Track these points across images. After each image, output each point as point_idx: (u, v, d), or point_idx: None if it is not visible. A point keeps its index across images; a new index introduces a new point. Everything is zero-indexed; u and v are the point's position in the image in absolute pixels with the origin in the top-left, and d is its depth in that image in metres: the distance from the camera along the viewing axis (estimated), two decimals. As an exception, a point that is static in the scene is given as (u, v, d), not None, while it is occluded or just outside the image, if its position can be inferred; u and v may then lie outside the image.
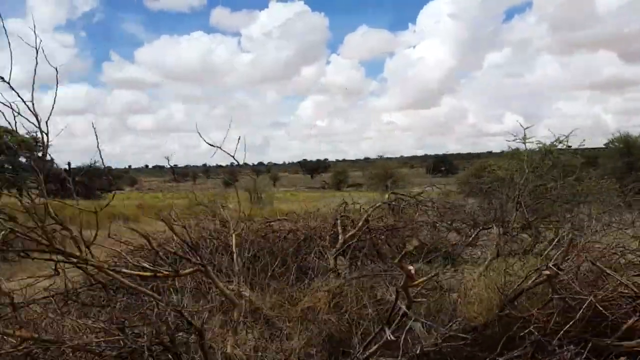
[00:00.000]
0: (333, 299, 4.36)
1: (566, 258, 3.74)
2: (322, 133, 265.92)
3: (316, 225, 5.69)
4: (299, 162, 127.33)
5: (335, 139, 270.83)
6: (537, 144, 7.25)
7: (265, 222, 5.91)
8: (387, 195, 6.32)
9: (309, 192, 71.73)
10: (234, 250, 4.86)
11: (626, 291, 3.63)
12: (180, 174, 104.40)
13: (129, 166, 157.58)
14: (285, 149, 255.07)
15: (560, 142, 7.25)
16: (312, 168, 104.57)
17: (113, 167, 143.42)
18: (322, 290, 4.44)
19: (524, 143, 7.06)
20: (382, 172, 36.04)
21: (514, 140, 7.20)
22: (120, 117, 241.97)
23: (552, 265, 3.45)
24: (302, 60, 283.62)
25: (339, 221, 5.69)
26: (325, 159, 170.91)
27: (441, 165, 77.90)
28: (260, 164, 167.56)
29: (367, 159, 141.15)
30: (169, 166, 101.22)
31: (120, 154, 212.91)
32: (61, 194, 43.92)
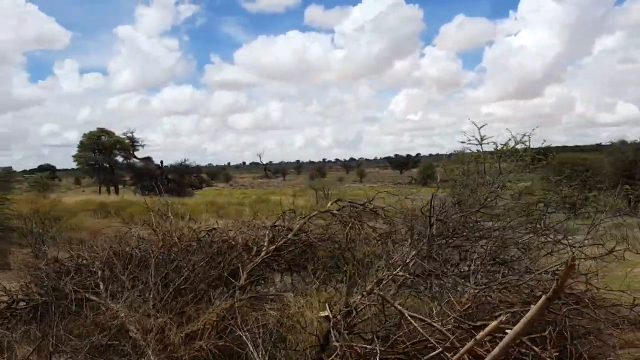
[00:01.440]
0: (220, 323, 4.03)
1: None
2: (416, 127, 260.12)
3: (245, 235, 5.32)
4: (386, 157, 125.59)
5: (430, 132, 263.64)
6: (493, 145, 6.24)
7: (197, 230, 5.63)
8: (329, 204, 5.75)
9: (392, 188, 70.55)
10: (152, 263, 4.69)
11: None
12: (272, 170, 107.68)
13: (228, 163, 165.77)
14: (377, 144, 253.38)
15: (518, 143, 6.16)
16: (401, 163, 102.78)
17: (214, 164, 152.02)
18: (212, 312, 4.12)
19: (480, 145, 6.11)
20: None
21: (468, 142, 6.23)
22: (221, 116, 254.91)
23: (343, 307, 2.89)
24: (395, 54, 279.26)
25: (268, 231, 5.28)
26: (418, 154, 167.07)
27: (543, 158, 73.04)
28: (352, 159, 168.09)
29: (545, 149, 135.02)
30: (259, 162, 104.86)
31: (220, 151, 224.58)
32: (154, 191, 46.53)
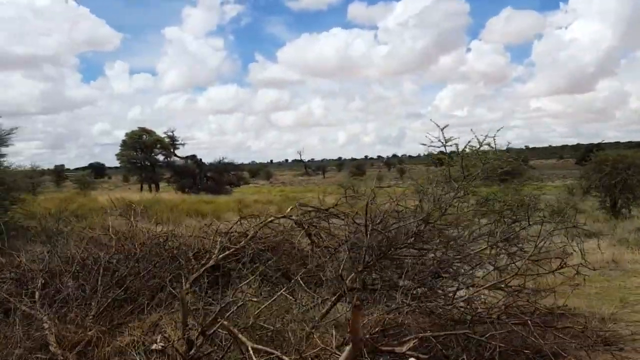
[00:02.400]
0: (145, 338, 3.91)
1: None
2: (462, 123, 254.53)
3: (204, 241, 5.15)
4: (428, 154, 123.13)
5: (477, 128, 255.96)
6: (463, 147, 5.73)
7: (155, 235, 5.51)
8: (289, 209, 5.46)
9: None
10: (100, 270, 4.64)
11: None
12: (313, 167, 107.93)
13: (271, 160, 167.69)
14: (421, 140, 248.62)
15: (481, 145, 5.64)
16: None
17: (256, 162, 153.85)
18: (138, 326, 4.02)
19: (444, 147, 5.67)
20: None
21: (431, 145, 5.78)
22: (264, 114, 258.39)
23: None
24: (440, 49, 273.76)
25: (220, 238, 5.10)
26: (463, 150, 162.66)
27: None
28: (394, 156, 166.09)
29: (508, 149, 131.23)
30: (301, 160, 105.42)
31: (264, 149, 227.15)
32: (193, 189, 47.59)
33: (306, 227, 4.92)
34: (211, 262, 4.76)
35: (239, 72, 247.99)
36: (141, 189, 46.38)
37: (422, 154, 6.41)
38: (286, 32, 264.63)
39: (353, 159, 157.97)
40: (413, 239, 4.26)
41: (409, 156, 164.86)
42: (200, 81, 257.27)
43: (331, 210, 5.31)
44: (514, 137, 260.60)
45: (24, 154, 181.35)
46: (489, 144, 5.49)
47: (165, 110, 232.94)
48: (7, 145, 27.13)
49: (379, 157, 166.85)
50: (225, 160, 55.37)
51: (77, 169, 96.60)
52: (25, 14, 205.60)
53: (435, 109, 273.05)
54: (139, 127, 46.48)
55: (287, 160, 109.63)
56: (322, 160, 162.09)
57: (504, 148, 5.92)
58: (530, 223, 5.22)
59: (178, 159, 50.31)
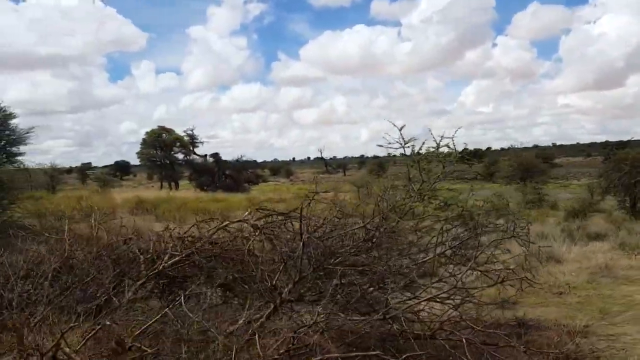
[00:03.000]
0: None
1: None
2: (488, 120, 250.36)
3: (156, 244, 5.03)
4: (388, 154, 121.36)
5: (503, 125, 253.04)
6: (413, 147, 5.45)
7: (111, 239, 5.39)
8: (248, 212, 5.29)
9: (453, 184, 68.13)
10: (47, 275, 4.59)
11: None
12: (334, 165, 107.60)
13: (293, 158, 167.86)
14: (446, 138, 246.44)
15: (440, 147, 5.34)
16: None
17: (279, 160, 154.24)
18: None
19: (403, 148, 5.43)
20: (523, 163, 32.13)
21: (388, 146, 5.53)
22: (287, 112, 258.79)
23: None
24: (465, 44, 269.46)
25: (173, 243, 4.98)
26: (488, 148, 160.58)
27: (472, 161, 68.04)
28: (418, 153, 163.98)
29: (536, 146, 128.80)
30: (322, 158, 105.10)
31: (286, 146, 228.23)
32: (211, 187, 47.94)
33: (263, 231, 4.76)
34: (156, 270, 4.66)
35: (262, 70, 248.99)
36: (161, 187, 46.96)
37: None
38: (309, 30, 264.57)
39: (375, 157, 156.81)
40: (355, 248, 4.08)
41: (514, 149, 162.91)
42: (224, 80, 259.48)
43: (291, 214, 5.14)
44: (541, 134, 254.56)
45: (53, 152, 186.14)
46: (447, 145, 5.25)
47: (189, 109, 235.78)
48: (25, 144, 27.69)
49: (402, 154, 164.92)
50: (244, 159, 55.80)
51: (104, 167, 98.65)
52: (53, 15, 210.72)
53: (460, 105, 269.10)
54: (158, 126, 47.07)
55: (309, 158, 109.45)
56: (344, 158, 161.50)
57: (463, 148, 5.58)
58: (480, 232, 4.94)
59: (197, 157, 50.91)
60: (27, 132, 26.53)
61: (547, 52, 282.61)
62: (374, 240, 4.28)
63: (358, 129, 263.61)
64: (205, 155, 51.26)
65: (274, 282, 3.74)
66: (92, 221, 5.55)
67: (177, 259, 4.70)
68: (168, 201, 23.56)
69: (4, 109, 26.49)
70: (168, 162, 45.73)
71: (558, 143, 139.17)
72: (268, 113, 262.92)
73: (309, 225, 4.09)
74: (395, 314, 3.61)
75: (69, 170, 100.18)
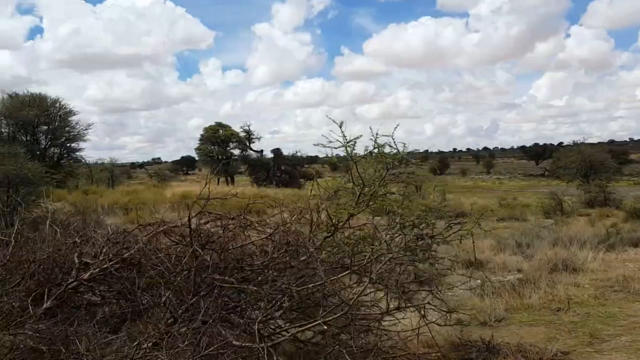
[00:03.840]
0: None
1: None
2: (561, 113, 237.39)
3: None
4: (521, 146, 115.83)
5: (576, 119, 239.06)
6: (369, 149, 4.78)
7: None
8: (192, 215, 4.92)
9: (514, 182, 64.93)
10: None
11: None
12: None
13: (356, 153, 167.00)
14: (515, 132, 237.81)
15: (380, 146, 4.64)
16: (537, 153, 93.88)
17: (340, 155, 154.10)
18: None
19: (345, 147, 4.84)
20: (586, 159, 29.85)
21: (329, 145, 4.92)
22: (349, 107, 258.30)
23: None
24: (537, 35, 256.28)
25: (104, 247, 4.72)
26: (560, 143, 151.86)
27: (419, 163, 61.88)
28: (485, 149, 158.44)
29: (612, 142, 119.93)
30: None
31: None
32: (267, 182, 48.92)
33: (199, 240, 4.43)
34: (64, 286, 4.46)
35: (325, 65, 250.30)
36: (218, 182, 48.19)
37: (515, 146, 5.60)
38: (373, 24, 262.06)
39: (440, 152, 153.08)
40: (259, 262, 3.68)
41: (501, 149, 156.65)
42: (288, 76, 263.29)
43: (240, 218, 4.80)
44: (618, 128, 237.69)
45: (128, 147, 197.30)
46: (388, 144, 4.70)
47: (254, 104, 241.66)
48: (84, 140, 29.21)
49: (468, 149, 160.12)
50: (299, 154, 56.02)
51: (173, 162, 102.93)
52: (128, 16, 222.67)
53: (530, 98, 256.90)
54: (215, 122, 48.29)
55: (371, 153, 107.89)
56: (407, 154, 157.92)
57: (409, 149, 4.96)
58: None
59: (253, 152, 51.73)
60: (86, 129, 28.16)
61: (625, 42, 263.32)
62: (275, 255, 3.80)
63: (422, 124, 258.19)
64: (261, 150, 52.06)
65: (165, 300, 3.44)
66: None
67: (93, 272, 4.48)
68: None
69: (64, 106, 28.30)
70: (224, 157, 46.79)
71: (636, 138, 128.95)
72: (330, 108, 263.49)
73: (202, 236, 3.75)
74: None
75: (141, 165, 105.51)
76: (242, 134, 49.20)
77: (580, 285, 6.65)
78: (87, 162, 30.47)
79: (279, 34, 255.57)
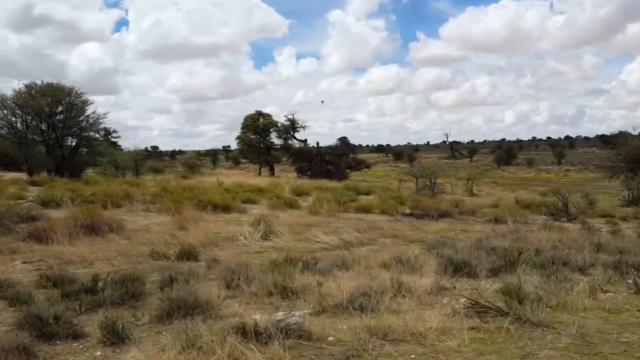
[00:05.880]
0: None
1: None
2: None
3: None
4: (601, 135, 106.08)
5: None
6: None
7: None
8: None
9: (583, 174, 59.15)
10: None
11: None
12: (461, 150, 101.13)
13: (427, 142, 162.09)
14: (603, 120, 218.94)
15: None
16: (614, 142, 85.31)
17: (413, 144, 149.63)
18: None
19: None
20: (630, 151, 26.11)
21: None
22: (424, 94, 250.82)
23: None
24: (628, 16, 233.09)
25: None
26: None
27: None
28: (567, 137, 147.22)
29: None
30: (447, 141, 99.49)
31: (423, 130, 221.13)
32: (309, 173, 48.10)
33: None
34: None
35: (400, 51, 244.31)
36: (260, 172, 48.30)
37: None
38: (450, 7, 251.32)
39: (519, 141, 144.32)
40: None
41: (585, 137, 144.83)
42: (362, 62, 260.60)
43: None
44: None
45: (207, 135, 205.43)
46: None
47: (327, 92, 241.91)
48: (100, 129, 29.77)
49: (548, 138, 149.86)
50: (346, 143, 54.64)
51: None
52: (205, 6, 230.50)
53: (620, 84, 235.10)
54: (255, 110, 48.22)
55: (445, 142, 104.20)
56: (484, 142, 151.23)
57: None
58: None
59: (297, 141, 51.15)
60: (101, 118, 28.95)
61: None
62: None
63: (502, 111, 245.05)
64: (305, 139, 51.35)
65: None
66: None
67: None
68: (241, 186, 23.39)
69: (80, 95, 29.22)
70: (263, 146, 46.67)
71: None
72: (404, 95, 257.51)
73: None
74: None
75: (207, 154, 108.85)
76: (287, 123, 48.80)
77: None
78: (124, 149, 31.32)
79: (352, 21, 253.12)
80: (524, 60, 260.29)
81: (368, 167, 56.06)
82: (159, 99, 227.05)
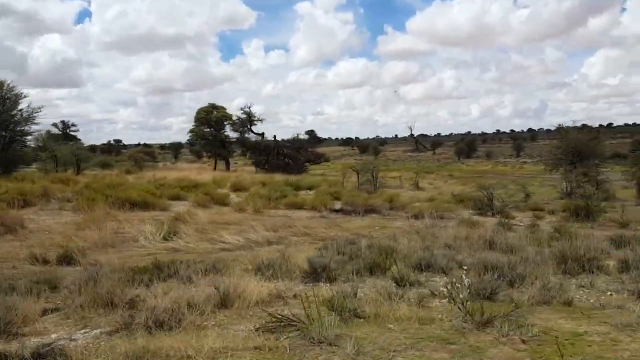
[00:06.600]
0: None
1: None
2: (615, 92, 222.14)
3: None
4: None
5: (632, 99, 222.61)
6: None
7: None
8: None
9: (539, 166, 60.09)
10: None
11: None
12: (424, 143, 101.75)
13: (395, 135, 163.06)
14: (565, 113, 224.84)
15: None
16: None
17: (381, 137, 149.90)
18: None
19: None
20: (569, 143, 26.42)
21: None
22: (392, 87, 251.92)
23: None
24: (590, 10, 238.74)
25: None
26: (610, 124, 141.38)
27: None
28: (530, 130, 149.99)
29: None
30: (413, 135, 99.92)
31: (391, 123, 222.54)
32: (266, 167, 47.24)
33: None
34: None
35: (368, 45, 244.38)
36: (215, 166, 47.33)
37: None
38: (417, 1, 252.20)
39: (483, 134, 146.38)
40: None
41: (547, 130, 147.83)
42: (330, 55, 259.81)
43: None
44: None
45: (173, 128, 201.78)
46: None
47: (296, 85, 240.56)
48: (36, 124, 28.82)
49: (511, 131, 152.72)
50: (302, 137, 54.15)
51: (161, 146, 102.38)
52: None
53: (582, 77, 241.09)
54: (209, 103, 47.23)
55: (412, 135, 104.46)
56: (450, 135, 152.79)
57: None
58: None
59: (254, 135, 50.34)
60: (35, 112, 27.74)
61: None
62: None
63: (467, 105, 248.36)
64: (262, 133, 50.57)
65: None
66: None
67: None
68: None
69: (13, 88, 27.96)
70: (217, 139, 45.68)
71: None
72: (373, 88, 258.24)
73: None
74: None
75: (170, 147, 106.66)
76: (243, 116, 47.94)
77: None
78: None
79: (320, 13, 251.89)
80: (488, 55, 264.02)
81: (327, 160, 55.86)
82: (124, 92, 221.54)
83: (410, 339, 4.09)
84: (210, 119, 45.07)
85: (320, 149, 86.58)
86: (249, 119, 49.05)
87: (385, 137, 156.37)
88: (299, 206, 18.06)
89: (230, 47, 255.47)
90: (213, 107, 46.29)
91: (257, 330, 4.42)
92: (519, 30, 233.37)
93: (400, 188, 29.38)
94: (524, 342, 3.91)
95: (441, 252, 7.92)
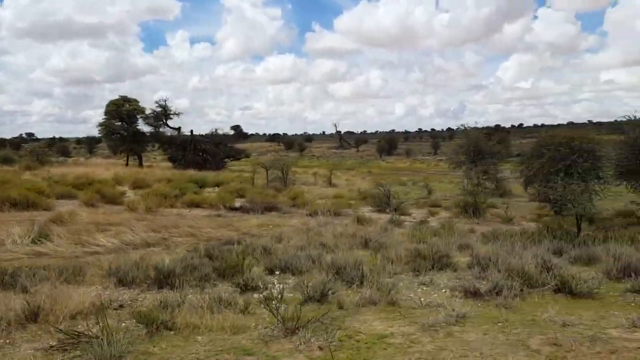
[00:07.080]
0: None
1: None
2: (527, 95, 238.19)
3: None
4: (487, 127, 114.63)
5: (542, 101, 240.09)
6: None
7: None
8: None
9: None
10: None
11: None
12: (349, 140, 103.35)
13: (323, 132, 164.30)
14: (482, 114, 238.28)
15: None
16: (489, 134, 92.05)
17: (310, 133, 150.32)
18: None
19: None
20: (470, 143, 27.65)
21: None
22: (321, 84, 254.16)
23: None
24: (505, 17, 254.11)
25: None
26: (520, 124, 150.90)
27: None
28: (449, 129, 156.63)
29: (571, 124, 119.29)
30: (338, 132, 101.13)
31: (319, 120, 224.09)
32: (183, 163, 45.05)
33: None
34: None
35: (296, 41, 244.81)
36: (127, 162, 45.13)
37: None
38: (345, 0, 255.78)
39: (406, 132, 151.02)
40: None
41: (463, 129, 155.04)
42: (258, 50, 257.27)
43: None
44: (581, 111, 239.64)
45: (92, 121, 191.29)
46: None
47: (223, 79, 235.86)
48: None
49: (432, 130, 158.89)
50: (220, 132, 52.90)
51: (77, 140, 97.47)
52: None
53: (497, 80, 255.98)
54: (120, 96, 44.97)
55: (340, 132, 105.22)
56: (376, 133, 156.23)
57: None
58: None
59: (170, 129, 48.49)
60: None
61: (591, 25, 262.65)
62: None
63: (393, 104, 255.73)
64: (179, 127, 48.86)
65: None
66: None
67: None
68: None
69: None
70: (126, 133, 43.46)
71: (597, 120, 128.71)
72: (302, 85, 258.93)
73: None
74: None
75: (84, 141, 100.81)
76: (158, 109, 46.02)
77: None
78: None
79: (248, 7, 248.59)
80: (412, 57, 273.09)
81: (248, 156, 54.99)
82: (39, 81, 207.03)
83: (211, 351, 3.88)
84: (122, 112, 42.85)
85: (246, 145, 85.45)
86: (164, 113, 47.25)
87: (313, 134, 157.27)
88: (197, 204, 17.51)
89: (153, 37, 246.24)
90: (125, 99, 44.05)
91: (50, 348, 4.03)
92: (441, 34, 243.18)
93: (314, 185, 29.46)
94: (320, 348, 3.82)
95: (314, 252, 7.80)
